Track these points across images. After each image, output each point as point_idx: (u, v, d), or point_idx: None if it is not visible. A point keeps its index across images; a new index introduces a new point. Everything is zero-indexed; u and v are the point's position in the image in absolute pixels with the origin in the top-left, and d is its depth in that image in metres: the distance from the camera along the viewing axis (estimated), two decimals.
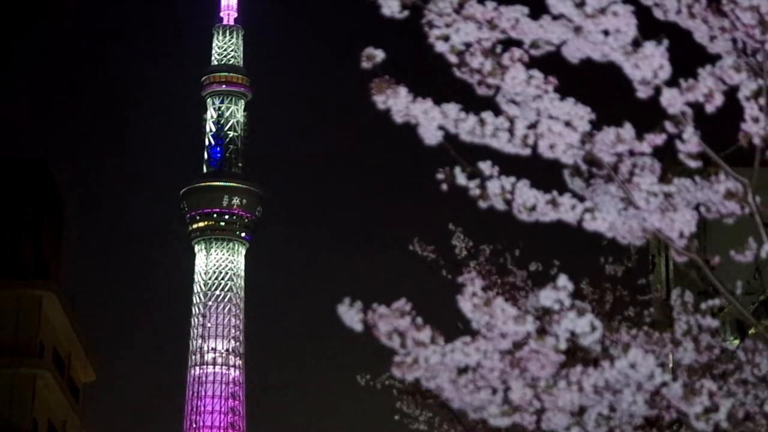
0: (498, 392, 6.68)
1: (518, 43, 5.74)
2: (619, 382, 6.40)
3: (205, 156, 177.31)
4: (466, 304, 6.45)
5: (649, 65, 5.62)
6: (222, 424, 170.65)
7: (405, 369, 6.63)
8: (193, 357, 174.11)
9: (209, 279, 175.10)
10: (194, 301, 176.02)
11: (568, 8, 5.55)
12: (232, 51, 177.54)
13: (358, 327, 6.49)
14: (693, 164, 5.88)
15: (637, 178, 6.06)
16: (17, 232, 58.49)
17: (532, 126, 5.88)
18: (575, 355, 6.47)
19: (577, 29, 5.62)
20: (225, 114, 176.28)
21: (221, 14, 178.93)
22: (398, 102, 5.88)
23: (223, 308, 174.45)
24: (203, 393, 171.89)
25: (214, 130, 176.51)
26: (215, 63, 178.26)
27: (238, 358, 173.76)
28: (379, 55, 5.73)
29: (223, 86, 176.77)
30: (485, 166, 6.03)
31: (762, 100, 5.69)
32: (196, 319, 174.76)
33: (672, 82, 5.67)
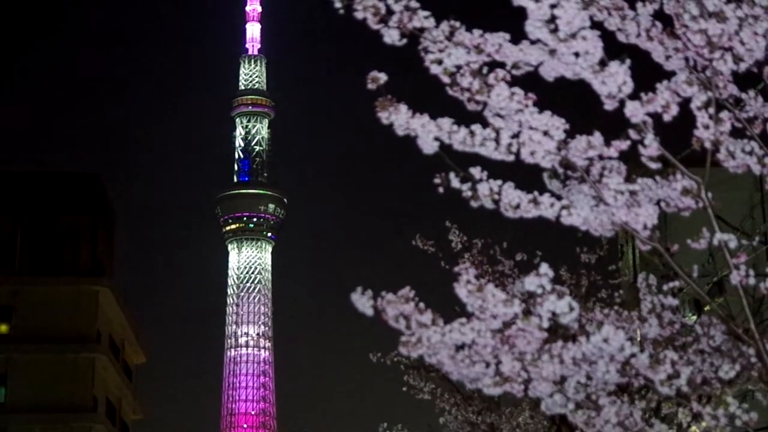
0: (490, 365, 6.67)
1: (502, 65, 5.73)
2: (594, 354, 6.38)
3: (236, 167, 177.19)
4: (461, 290, 6.44)
5: (614, 81, 5.61)
6: (255, 398, 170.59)
7: (410, 347, 6.61)
8: (229, 341, 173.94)
9: (241, 273, 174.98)
10: (228, 293, 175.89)
11: (543, 34, 5.54)
12: (256, 77, 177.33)
13: (369, 312, 6.47)
14: (654, 166, 5.87)
15: (606, 178, 6.05)
16: (75, 236, 58.55)
17: (515, 136, 5.87)
18: (556, 332, 6.46)
19: (552, 52, 5.61)
20: (251, 131, 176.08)
21: (246, 45, 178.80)
22: (399, 117, 5.87)
23: (254, 298, 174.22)
24: (238, 371, 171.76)
25: (242, 145, 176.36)
26: (242, 87, 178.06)
27: (267, 340, 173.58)
28: (382, 77, 5.72)
29: (250, 107, 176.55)
30: (475, 171, 6.02)
31: (711, 110, 5.68)
32: (230, 308, 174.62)
33: (634, 96, 5.66)
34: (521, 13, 5.48)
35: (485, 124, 5.86)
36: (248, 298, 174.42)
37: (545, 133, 5.85)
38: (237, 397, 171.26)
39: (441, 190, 6.04)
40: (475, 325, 6.51)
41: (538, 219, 6.16)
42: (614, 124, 5.80)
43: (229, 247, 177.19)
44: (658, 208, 6.15)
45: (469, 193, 6.06)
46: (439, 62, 5.68)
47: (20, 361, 54.76)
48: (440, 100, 5.87)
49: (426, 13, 5.58)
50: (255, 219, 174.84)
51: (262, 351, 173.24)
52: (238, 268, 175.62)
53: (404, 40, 5.59)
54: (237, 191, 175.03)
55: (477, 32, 5.66)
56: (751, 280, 5.99)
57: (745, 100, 5.76)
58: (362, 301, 6.49)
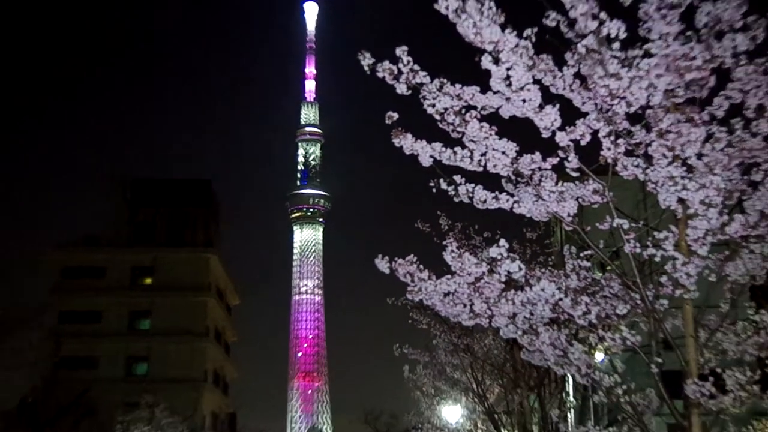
0: (467, 306, 6.67)
1: (474, 108, 5.72)
2: (535, 299, 6.38)
3: (298, 175, 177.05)
4: (447, 256, 6.44)
5: (548, 118, 5.60)
6: (311, 327, 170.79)
7: (414, 294, 6.63)
8: (294, 289, 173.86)
9: (302, 245, 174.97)
10: (294, 258, 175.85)
11: (502, 87, 5.53)
12: (312, 115, 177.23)
13: (387, 271, 6.49)
14: (574, 174, 5.86)
15: (543, 183, 6.04)
16: (194, 221, 58.74)
17: (483, 154, 5.86)
18: (510, 284, 6.45)
19: (508, 99, 5.61)
20: (309, 151, 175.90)
21: (305, 95, 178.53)
22: (407, 142, 5.87)
23: (310, 261, 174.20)
24: (300, 310, 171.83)
25: (303, 160, 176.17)
26: (303, 122, 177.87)
27: (319, 290, 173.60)
28: (395, 115, 5.73)
29: (308, 136, 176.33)
30: (457, 178, 6.02)
31: (612, 138, 5.67)
32: (295, 268, 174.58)
33: (561, 128, 5.65)
34: (487, 73, 5.48)
35: (463, 146, 5.86)
36: (307, 261, 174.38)
37: (503, 153, 5.85)
38: (299, 327, 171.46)
39: (434, 189, 6.05)
40: (456, 280, 6.52)
41: (498, 209, 6.16)
42: (549, 147, 5.80)
43: (294, 228, 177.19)
44: (577, 202, 6.14)
45: (453, 192, 6.07)
46: (433, 105, 5.68)
47: (159, 302, 54.98)
48: (434, 131, 5.88)
49: (424, 73, 5.58)
50: (311, 209, 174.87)
51: (316, 296, 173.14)
52: (300, 242, 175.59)
53: (410, 91, 5.59)
54: (299, 191, 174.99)
55: (458, 85, 5.66)
56: (637, 250, 5.98)
57: (634, 131, 5.74)
58: (382, 264, 6.51)
